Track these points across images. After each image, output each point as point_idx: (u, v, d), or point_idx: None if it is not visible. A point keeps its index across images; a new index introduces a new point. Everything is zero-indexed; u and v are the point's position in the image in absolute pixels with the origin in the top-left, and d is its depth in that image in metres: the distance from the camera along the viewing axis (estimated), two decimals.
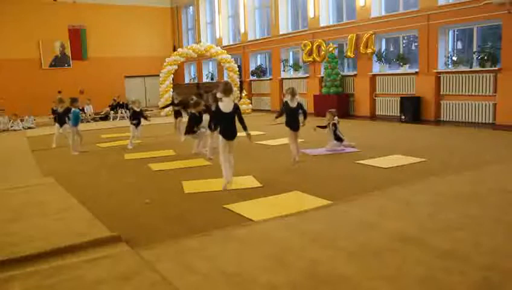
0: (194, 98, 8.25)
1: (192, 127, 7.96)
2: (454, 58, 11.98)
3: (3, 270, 3.28)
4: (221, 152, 5.66)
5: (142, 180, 6.44)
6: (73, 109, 9.37)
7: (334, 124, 8.21)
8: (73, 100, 9.59)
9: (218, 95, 5.49)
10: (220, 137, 5.58)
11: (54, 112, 10.48)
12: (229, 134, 5.55)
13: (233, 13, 20.89)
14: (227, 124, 5.52)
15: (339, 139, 8.17)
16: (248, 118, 9.14)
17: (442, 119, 12.09)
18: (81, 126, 15.47)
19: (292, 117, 6.85)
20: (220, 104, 5.48)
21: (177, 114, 10.30)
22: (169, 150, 8.82)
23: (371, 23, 13.70)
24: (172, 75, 18.25)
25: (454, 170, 6.06)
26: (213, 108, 6.32)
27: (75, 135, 9.26)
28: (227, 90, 5.47)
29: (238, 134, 5.67)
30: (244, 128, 5.63)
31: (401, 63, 13.20)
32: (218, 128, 5.62)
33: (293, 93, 6.89)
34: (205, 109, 8.31)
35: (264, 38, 18.58)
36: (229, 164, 5.67)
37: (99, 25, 22.47)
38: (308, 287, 2.89)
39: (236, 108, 5.55)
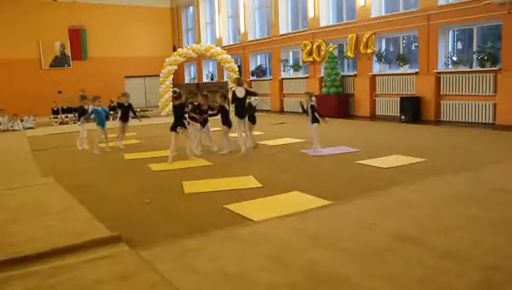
0: (177, 90, 8.26)
1: (178, 120, 7.69)
2: (454, 58, 11.98)
3: (3, 270, 3.28)
4: (237, 129, 8.04)
5: (142, 180, 6.44)
6: (97, 108, 9.06)
7: (312, 106, 8.27)
8: (95, 98, 9.21)
9: (233, 86, 8.03)
10: (236, 118, 7.96)
11: (81, 110, 9.76)
12: (241, 113, 7.87)
13: (233, 13, 20.90)
14: (240, 106, 7.79)
15: (316, 120, 8.23)
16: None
17: (442, 119, 12.09)
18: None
19: (240, 107, 8.01)
20: (236, 92, 7.75)
21: (124, 117, 9.63)
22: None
23: (371, 23, 13.70)
24: (172, 75, 18.26)
25: (454, 170, 6.06)
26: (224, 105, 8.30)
27: (103, 134, 9.13)
28: (239, 83, 8.01)
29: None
30: (253, 94, 8.08)
31: (401, 63, 13.19)
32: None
33: (239, 83, 8.25)
34: (218, 109, 8.40)
35: (264, 38, 18.58)
36: (245, 137, 7.87)
37: (99, 25, 22.48)
38: (308, 287, 2.89)
39: (247, 92, 7.87)
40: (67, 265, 3.37)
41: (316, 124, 8.24)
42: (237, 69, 18.51)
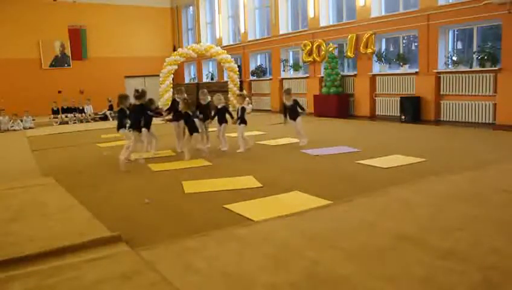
0: (139, 90, 8.24)
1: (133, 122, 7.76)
2: (454, 58, 11.98)
3: (3, 270, 3.28)
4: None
5: (142, 180, 6.44)
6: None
7: (243, 108, 8.61)
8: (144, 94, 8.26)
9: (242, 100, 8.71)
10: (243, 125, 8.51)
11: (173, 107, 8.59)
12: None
13: (233, 13, 20.89)
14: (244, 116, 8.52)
15: (244, 121, 8.51)
16: (248, 117, 9.18)
17: (442, 119, 12.09)
18: (82, 126, 15.61)
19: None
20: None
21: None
22: (169, 150, 8.82)
23: (371, 23, 13.70)
24: (172, 75, 18.26)
25: (454, 170, 6.06)
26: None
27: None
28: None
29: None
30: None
31: (401, 63, 13.20)
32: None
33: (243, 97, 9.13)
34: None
35: (264, 38, 18.57)
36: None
37: (99, 25, 22.47)
38: (308, 287, 2.89)
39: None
40: (68, 265, 3.37)
41: (243, 125, 8.51)
42: (237, 69, 18.50)
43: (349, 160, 7.17)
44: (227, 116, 8.76)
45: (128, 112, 7.74)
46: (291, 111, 8.76)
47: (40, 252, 3.52)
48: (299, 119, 8.76)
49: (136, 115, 7.76)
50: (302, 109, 8.88)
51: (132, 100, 8.06)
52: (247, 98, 8.88)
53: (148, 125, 8.08)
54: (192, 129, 7.88)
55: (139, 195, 5.46)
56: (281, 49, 17.66)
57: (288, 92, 8.91)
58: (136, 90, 8.00)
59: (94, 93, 19.58)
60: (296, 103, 8.75)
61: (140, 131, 7.83)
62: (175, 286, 2.97)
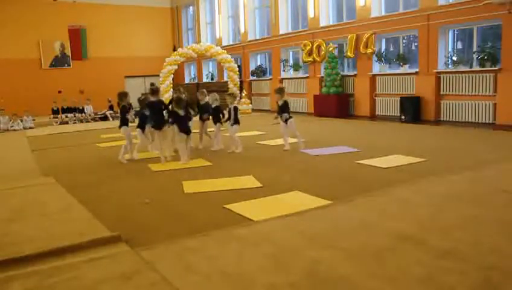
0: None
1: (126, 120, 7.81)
2: (454, 58, 11.98)
3: (3, 270, 3.28)
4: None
5: (142, 180, 6.44)
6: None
7: (236, 108, 8.41)
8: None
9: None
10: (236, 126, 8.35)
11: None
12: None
13: (233, 13, 20.90)
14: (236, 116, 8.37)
15: (237, 121, 8.35)
16: (248, 118, 9.20)
17: (442, 119, 12.09)
18: (82, 126, 15.61)
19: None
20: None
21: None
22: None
23: (371, 23, 13.70)
24: (172, 75, 18.27)
25: (454, 170, 6.06)
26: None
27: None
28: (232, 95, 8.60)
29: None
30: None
31: (401, 63, 13.20)
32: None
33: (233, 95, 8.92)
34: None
35: (264, 38, 18.58)
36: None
37: (99, 25, 22.47)
38: (308, 287, 2.89)
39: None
40: (67, 265, 3.37)
41: (236, 126, 8.34)
42: (237, 69, 18.49)
43: (349, 160, 7.17)
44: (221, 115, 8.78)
45: (145, 111, 7.77)
46: (281, 111, 8.24)
47: (40, 252, 3.52)
48: (290, 121, 8.22)
49: (158, 112, 7.55)
50: (288, 112, 8.18)
51: (129, 98, 8.10)
52: (237, 97, 8.66)
53: (144, 125, 8.04)
54: (180, 129, 7.35)
55: (139, 195, 5.46)
56: (281, 49, 17.66)
57: (278, 91, 8.37)
58: (152, 84, 7.89)
59: (94, 93, 19.56)
60: (285, 103, 8.20)
61: (160, 129, 7.54)
62: (175, 286, 2.97)
